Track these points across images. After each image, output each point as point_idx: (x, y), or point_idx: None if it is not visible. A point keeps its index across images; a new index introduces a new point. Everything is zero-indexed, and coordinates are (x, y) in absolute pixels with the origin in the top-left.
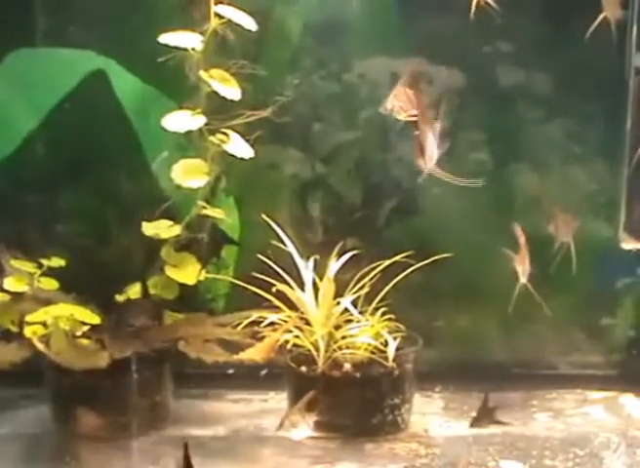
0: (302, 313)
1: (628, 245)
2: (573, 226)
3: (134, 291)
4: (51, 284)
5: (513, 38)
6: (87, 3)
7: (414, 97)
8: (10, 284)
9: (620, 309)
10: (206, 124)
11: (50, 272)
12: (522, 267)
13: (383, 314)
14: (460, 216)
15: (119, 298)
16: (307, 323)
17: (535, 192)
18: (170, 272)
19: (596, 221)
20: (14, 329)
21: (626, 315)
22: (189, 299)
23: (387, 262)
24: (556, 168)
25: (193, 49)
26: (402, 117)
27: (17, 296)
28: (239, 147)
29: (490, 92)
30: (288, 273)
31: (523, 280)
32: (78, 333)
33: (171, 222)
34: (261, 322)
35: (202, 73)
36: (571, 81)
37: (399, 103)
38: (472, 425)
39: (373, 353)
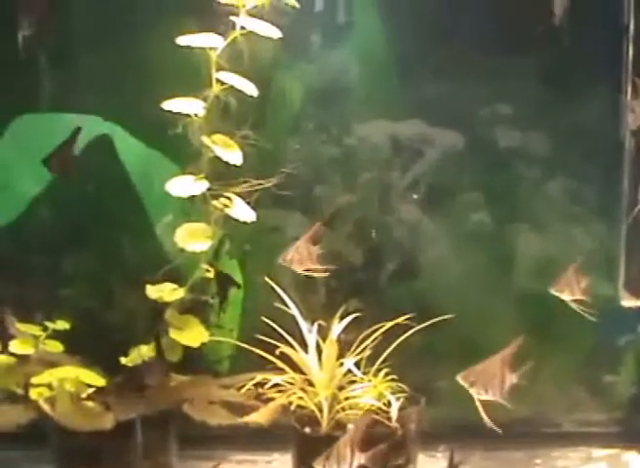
0: (306, 374)
1: (629, 302)
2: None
3: (145, 351)
4: (56, 346)
5: (511, 101)
6: (91, 68)
7: (314, 253)
8: (15, 346)
9: (622, 366)
10: (209, 189)
11: (55, 335)
12: (481, 390)
13: (386, 375)
14: (460, 277)
15: (128, 360)
16: (311, 384)
17: (534, 252)
18: (174, 334)
19: (596, 280)
20: (19, 391)
21: (629, 372)
22: (194, 361)
23: (389, 324)
24: (555, 227)
25: (196, 115)
26: (299, 270)
27: (22, 359)
28: (241, 211)
29: (488, 153)
30: (291, 335)
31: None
32: (83, 396)
33: (175, 285)
34: (266, 383)
35: (204, 139)
36: (568, 142)
37: (299, 256)
38: None
39: (376, 413)
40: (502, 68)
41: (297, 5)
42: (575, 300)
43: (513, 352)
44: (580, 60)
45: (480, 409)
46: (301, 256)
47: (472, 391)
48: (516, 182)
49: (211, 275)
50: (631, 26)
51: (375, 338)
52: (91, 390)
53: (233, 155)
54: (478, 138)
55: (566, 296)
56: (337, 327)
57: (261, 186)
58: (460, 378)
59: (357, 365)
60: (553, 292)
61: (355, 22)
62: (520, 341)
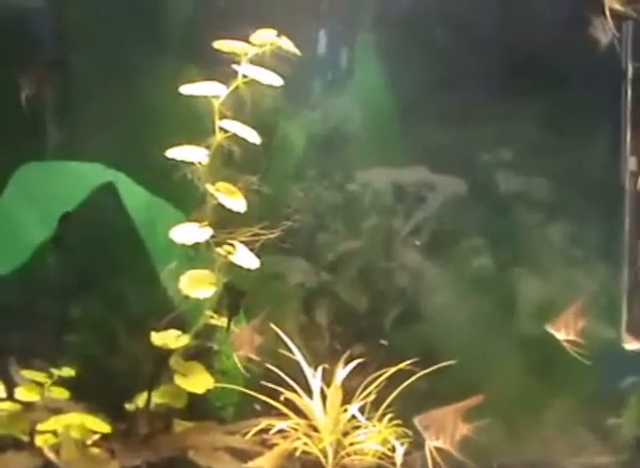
0: (311, 420)
1: (631, 345)
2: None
3: (141, 399)
4: (61, 393)
5: (512, 146)
6: (96, 117)
7: (255, 342)
8: (21, 393)
9: (625, 409)
10: (212, 236)
11: (60, 381)
12: (432, 435)
13: (390, 420)
14: (463, 322)
15: (129, 407)
16: (316, 429)
17: (537, 295)
18: (179, 381)
19: (598, 323)
20: (25, 438)
21: (632, 414)
22: (199, 408)
23: (393, 369)
24: (558, 271)
25: (199, 163)
26: (238, 354)
27: (28, 406)
28: (245, 258)
29: (490, 198)
30: (296, 381)
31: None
32: (89, 442)
33: (179, 332)
34: (270, 429)
35: (208, 186)
36: (569, 185)
37: (240, 341)
38: None
39: (381, 459)
40: (503, 114)
41: (298, 53)
42: (568, 340)
43: (469, 405)
44: (580, 105)
45: (428, 454)
46: (242, 342)
47: (425, 435)
48: (518, 227)
49: (215, 321)
50: (629, 71)
51: (379, 384)
52: (96, 436)
53: (237, 202)
54: (480, 184)
55: (561, 336)
56: (341, 372)
57: (265, 237)
58: (415, 421)
59: (361, 410)
60: (549, 329)
61: (357, 70)
62: (479, 398)
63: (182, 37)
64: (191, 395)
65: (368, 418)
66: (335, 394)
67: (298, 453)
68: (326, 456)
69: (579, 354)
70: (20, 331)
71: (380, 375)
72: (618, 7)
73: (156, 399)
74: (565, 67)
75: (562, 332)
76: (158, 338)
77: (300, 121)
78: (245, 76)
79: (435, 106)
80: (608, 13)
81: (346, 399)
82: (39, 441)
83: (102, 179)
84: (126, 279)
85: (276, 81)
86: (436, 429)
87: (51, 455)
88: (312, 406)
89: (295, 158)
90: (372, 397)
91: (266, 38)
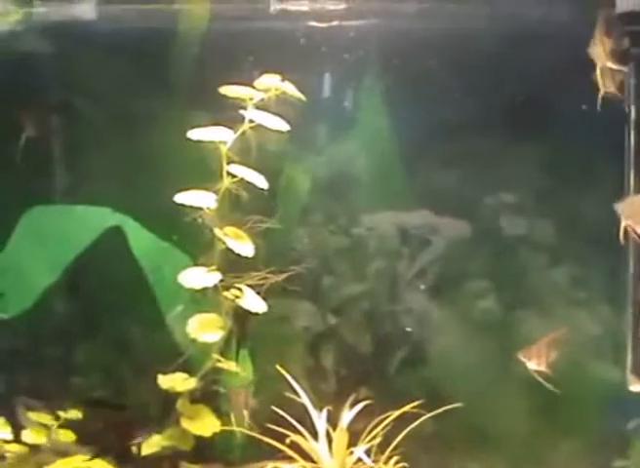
0: (317, 463)
1: (636, 387)
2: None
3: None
4: (68, 436)
5: (515, 189)
6: (104, 161)
7: (250, 404)
8: (27, 436)
9: (631, 451)
10: (220, 280)
11: (67, 424)
12: None
13: (397, 463)
14: (469, 365)
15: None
16: None
17: (542, 337)
18: (186, 424)
19: (603, 365)
20: None
21: (638, 457)
22: (205, 450)
23: (399, 412)
24: (561, 314)
25: (208, 207)
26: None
27: (34, 448)
28: (253, 302)
29: (495, 240)
30: (301, 423)
31: None
32: None
33: (186, 375)
34: None
35: (217, 231)
36: (573, 228)
37: (235, 401)
38: None
39: None
40: (507, 158)
41: (302, 98)
42: (538, 371)
43: None
44: (583, 148)
45: None
46: (238, 404)
47: None
48: (523, 270)
49: (222, 365)
50: (632, 113)
51: (385, 426)
52: None
53: (245, 247)
54: (484, 227)
55: (531, 365)
56: (347, 415)
57: (272, 280)
58: None
59: (368, 452)
60: (520, 357)
61: (362, 114)
62: None
63: (189, 82)
64: (197, 437)
65: (374, 461)
66: (341, 436)
67: None
68: None
69: (549, 385)
70: (27, 373)
71: (386, 418)
72: (611, 65)
73: (163, 442)
74: (568, 110)
75: (533, 362)
76: (165, 382)
77: (306, 165)
78: (252, 121)
79: (439, 150)
80: (600, 73)
81: (352, 441)
82: None
83: (110, 223)
84: (133, 322)
85: (283, 126)
86: None
87: None
88: (318, 448)
89: (300, 202)
90: (378, 439)
91: (271, 83)
